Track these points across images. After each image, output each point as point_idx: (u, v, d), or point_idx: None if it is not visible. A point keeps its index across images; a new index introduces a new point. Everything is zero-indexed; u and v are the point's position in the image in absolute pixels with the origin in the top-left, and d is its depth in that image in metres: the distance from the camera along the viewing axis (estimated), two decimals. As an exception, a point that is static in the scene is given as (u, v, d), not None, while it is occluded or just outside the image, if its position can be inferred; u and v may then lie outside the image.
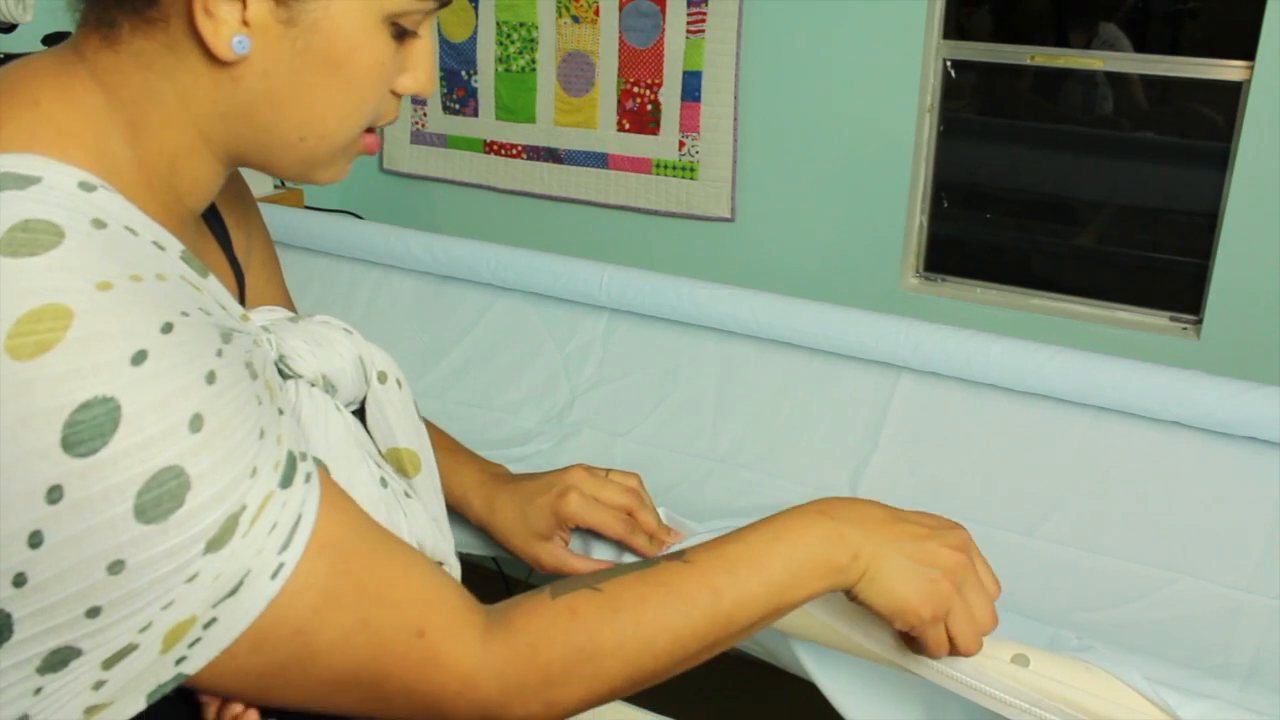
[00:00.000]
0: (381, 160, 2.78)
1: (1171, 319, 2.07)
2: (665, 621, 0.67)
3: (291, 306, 0.90)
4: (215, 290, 0.61)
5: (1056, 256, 2.30)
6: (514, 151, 2.59)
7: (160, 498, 0.51)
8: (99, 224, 0.54)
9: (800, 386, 1.33)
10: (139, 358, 0.51)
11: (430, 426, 0.96)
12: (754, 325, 1.35)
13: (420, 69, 0.66)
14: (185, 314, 0.55)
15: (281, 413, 0.60)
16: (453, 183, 2.71)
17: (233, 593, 0.54)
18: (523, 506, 0.92)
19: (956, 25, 2.15)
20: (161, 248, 0.57)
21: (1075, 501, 1.16)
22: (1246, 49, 1.87)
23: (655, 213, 2.45)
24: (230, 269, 0.76)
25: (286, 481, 0.57)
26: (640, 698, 0.90)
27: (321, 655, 0.58)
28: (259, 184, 2.23)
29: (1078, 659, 0.78)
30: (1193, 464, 1.14)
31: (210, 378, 0.54)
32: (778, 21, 2.22)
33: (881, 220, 2.24)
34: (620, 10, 2.36)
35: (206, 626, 0.54)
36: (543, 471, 0.94)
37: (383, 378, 0.75)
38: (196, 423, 0.52)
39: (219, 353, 0.55)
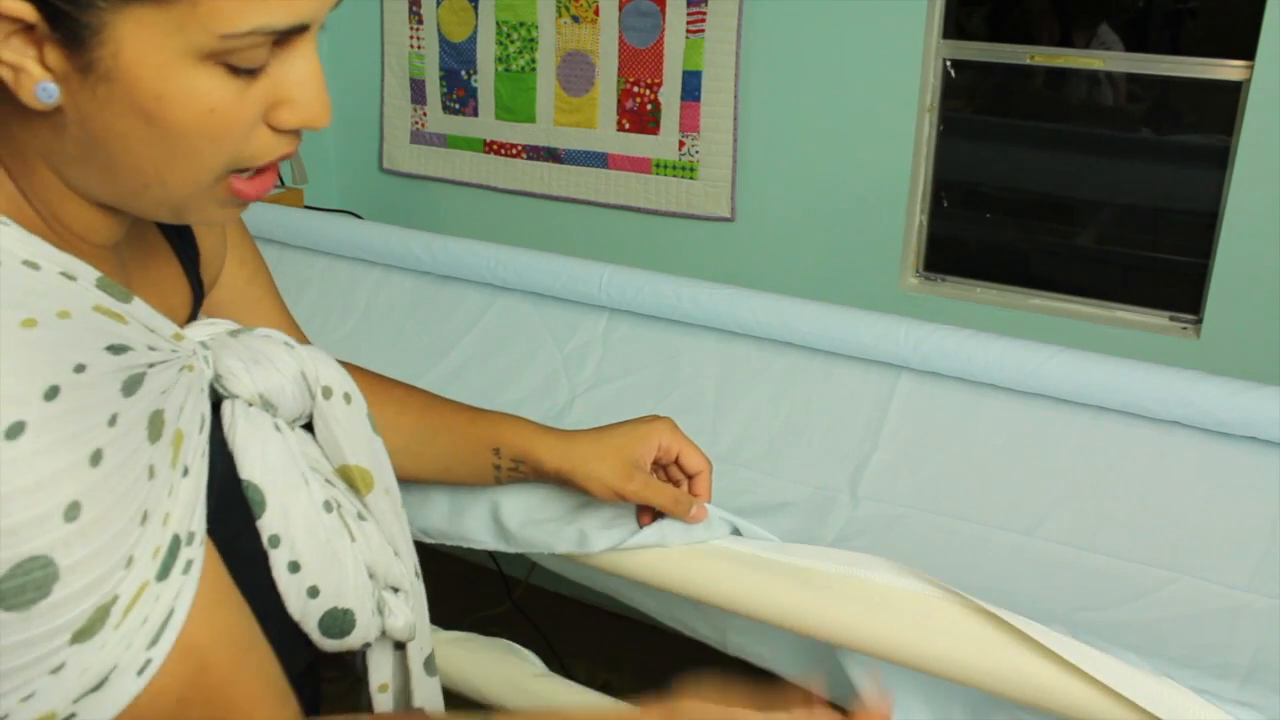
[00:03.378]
0: (381, 160, 2.78)
1: (1171, 319, 2.07)
2: None
3: (284, 314, 0.88)
4: (141, 314, 0.58)
5: (1056, 256, 2.30)
6: (514, 151, 2.59)
7: (24, 586, 0.48)
8: None
9: (800, 386, 1.33)
10: (15, 431, 0.48)
11: (464, 406, 0.95)
12: (754, 325, 1.35)
13: (300, 99, 0.57)
14: (81, 367, 0.51)
15: (187, 473, 0.57)
16: (453, 182, 2.71)
17: (97, 688, 0.52)
18: (605, 435, 0.91)
19: (956, 25, 2.15)
20: (71, 278, 0.55)
21: (1075, 501, 1.16)
22: (1246, 49, 1.87)
23: (655, 212, 2.45)
24: (187, 285, 0.73)
25: (164, 573, 0.54)
26: (640, 697, 0.90)
27: None
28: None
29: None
30: (1193, 464, 1.14)
31: (96, 458, 0.51)
32: (778, 21, 2.23)
33: (881, 220, 2.24)
34: (620, 10, 2.36)
35: None
36: None
37: (328, 393, 0.71)
38: (73, 511, 0.49)
39: (112, 420, 0.52)
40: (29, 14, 0.50)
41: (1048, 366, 1.19)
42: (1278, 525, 1.08)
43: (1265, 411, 1.10)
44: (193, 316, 0.74)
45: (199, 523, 0.58)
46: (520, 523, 0.99)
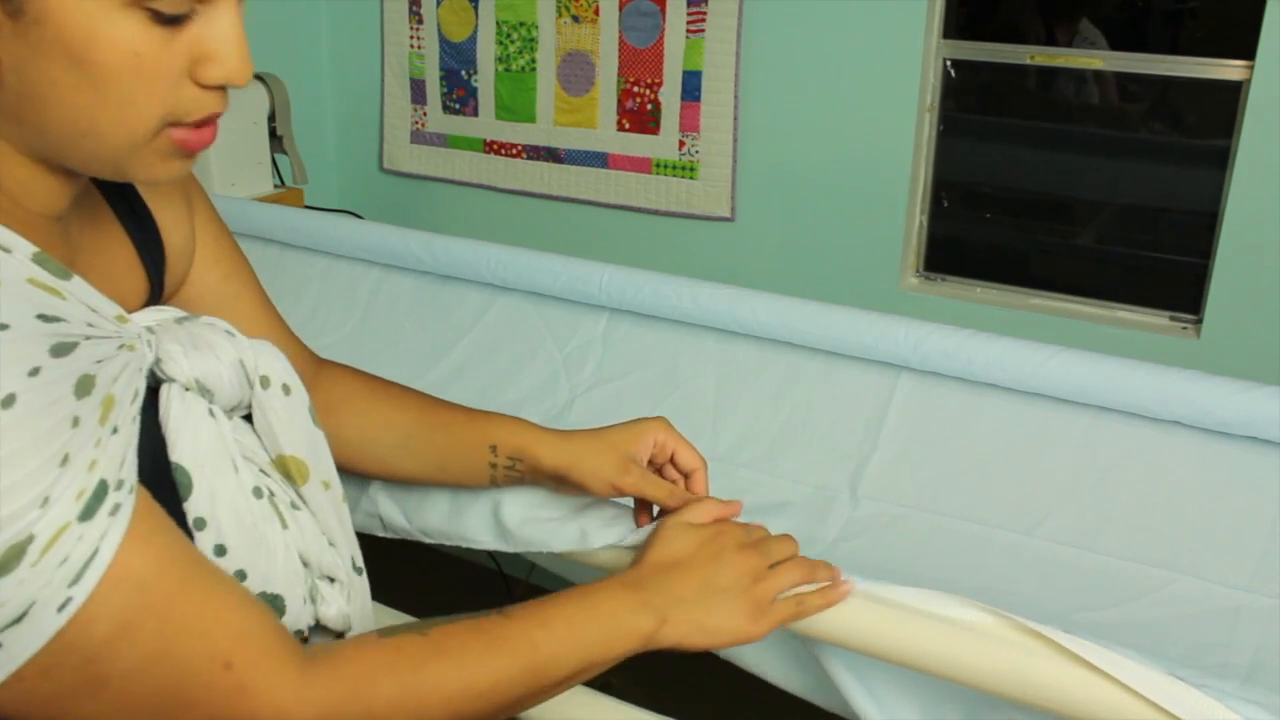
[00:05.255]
0: (381, 160, 2.78)
1: (1171, 319, 2.07)
2: (485, 667, 0.69)
3: (266, 312, 0.88)
4: (81, 292, 0.59)
5: (1056, 256, 2.30)
6: (514, 151, 2.59)
7: None
8: None
9: (800, 386, 1.33)
10: None
11: (460, 406, 0.95)
12: (754, 325, 1.35)
13: (221, 55, 0.59)
14: (4, 326, 0.52)
15: (116, 431, 0.58)
16: (453, 182, 2.71)
17: (17, 620, 0.53)
18: (602, 435, 0.92)
19: (956, 25, 2.15)
20: (6, 250, 0.56)
21: (1075, 501, 1.16)
22: (1246, 49, 1.87)
23: (655, 212, 2.45)
24: (144, 277, 0.74)
25: (88, 514, 0.55)
26: (641, 697, 0.90)
27: (115, 683, 0.57)
28: (259, 184, 2.23)
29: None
30: (1193, 464, 1.14)
31: (8, 401, 0.52)
32: (778, 21, 2.23)
33: (881, 220, 2.24)
34: (620, 10, 2.36)
35: None
36: None
37: (265, 382, 0.72)
38: None
39: (33, 371, 0.53)
40: None
41: (1048, 366, 1.19)
42: (1278, 525, 1.09)
43: (1265, 411, 1.10)
44: (152, 300, 0.74)
45: (129, 472, 0.58)
46: (520, 521, 0.99)
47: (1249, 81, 1.88)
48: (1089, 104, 2.17)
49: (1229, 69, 1.92)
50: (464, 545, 1.03)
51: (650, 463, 0.94)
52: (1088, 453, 1.19)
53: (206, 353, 0.68)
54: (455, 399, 0.98)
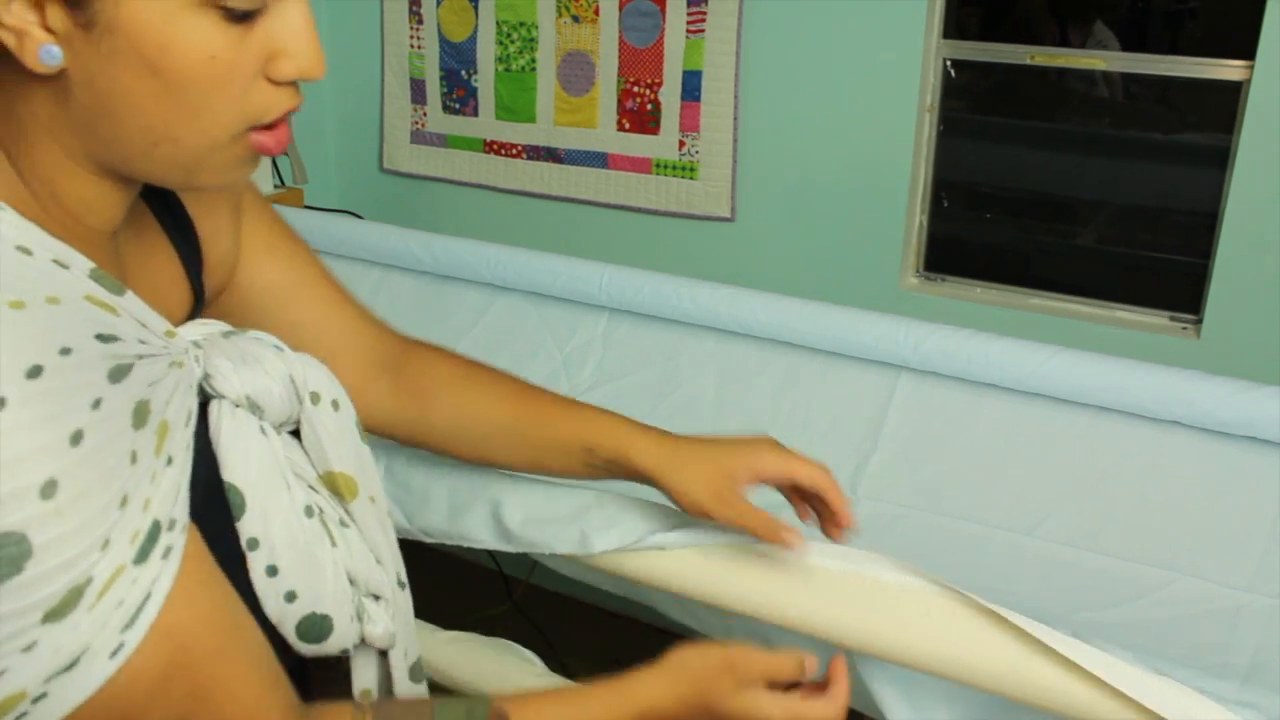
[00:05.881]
0: (381, 160, 2.78)
1: (1171, 319, 2.07)
2: None
3: (336, 296, 0.87)
4: (133, 307, 0.58)
5: (1056, 256, 2.30)
6: (514, 151, 2.59)
7: None
8: None
9: (800, 386, 1.33)
10: None
11: (558, 398, 0.93)
12: (754, 325, 1.35)
13: (294, 49, 0.58)
14: (67, 350, 0.51)
15: (171, 462, 0.57)
16: (453, 182, 2.71)
17: (68, 668, 0.52)
18: (707, 449, 0.87)
19: (957, 25, 2.15)
20: (64, 266, 0.55)
21: (1075, 501, 1.16)
22: (1246, 49, 1.87)
23: (655, 212, 2.45)
24: (188, 287, 0.73)
25: (142, 556, 0.54)
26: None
27: None
28: (259, 184, 2.23)
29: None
30: (1193, 464, 1.15)
31: (76, 438, 0.50)
32: (778, 21, 2.22)
33: (881, 220, 2.24)
34: (620, 10, 2.36)
35: (35, 701, 0.51)
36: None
37: (315, 398, 0.71)
38: (50, 489, 0.49)
39: (96, 403, 0.52)
40: None
41: (1048, 366, 1.19)
42: (1278, 525, 1.09)
43: (1265, 411, 1.10)
44: (190, 319, 0.73)
45: (181, 510, 0.58)
46: (521, 522, 0.99)
47: (1249, 81, 1.87)
48: (1099, 104, 2.17)
49: (1229, 69, 1.92)
50: (465, 545, 1.03)
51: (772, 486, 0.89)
52: (1088, 453, 1.19)
53: (256, 368, 0.67)
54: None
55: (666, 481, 0.87)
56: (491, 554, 1.10)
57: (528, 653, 1.31)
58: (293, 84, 0.60)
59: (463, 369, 0.94)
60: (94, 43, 0.53)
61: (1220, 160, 1.95)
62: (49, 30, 0.53)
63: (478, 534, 1.02)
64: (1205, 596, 1.05)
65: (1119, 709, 0.76)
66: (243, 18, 0.56)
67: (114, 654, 0.53)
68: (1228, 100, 1.93)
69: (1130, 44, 2.10)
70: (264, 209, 0.84)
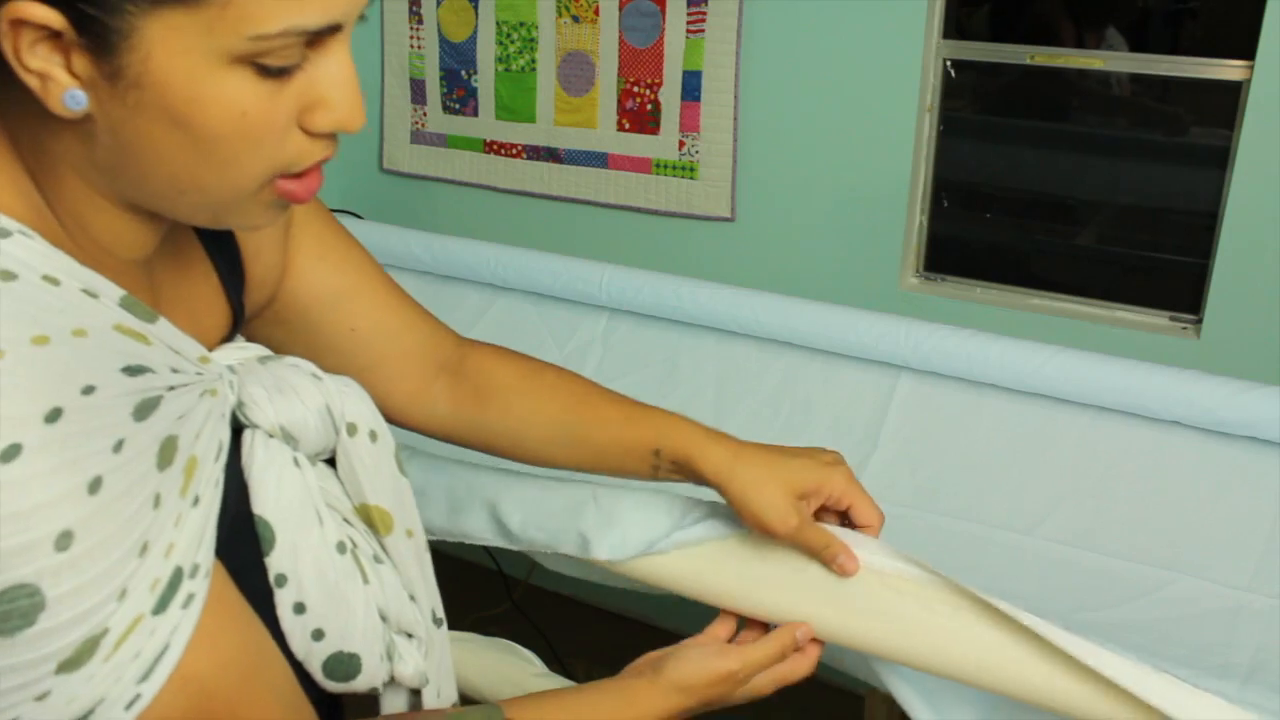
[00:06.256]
0: (381, 160, 2.78)
1: (1171, 319, 2.07)
2: None
3: (396, 297, 0.85)
4: (166, 335, 0.57)
5: (1056, 256, 2.30)
6: (514, 151, 2.59)
7: (9, 613, 0.47)
8: (6, 276, 0.50)
9: (800, 386, 1.33)
10: (10, 453, 0.46)
11: (626, 399, 0.91)
12: (754, 325, 1.35)
13: (334, 101, 0.55)
14: (90, 389, 0.50)
15: (197, 502, 0.56)
16: (453, 182, 2.71)
17: (83, 719, 0.50)
18: (777, 465, 0.84)
19: (957, 25, 2.15)
20: (93, 295, 0.53)
21: (1075, 501, 1.16)
22: (1246, 49, 1.87)
23: (655, 212, 2.45)
24: (226, 305, 0.71)
25: (162, 606, 0.53)
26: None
27: None
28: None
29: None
30: (1193, 464, 1.15)
31: (95, 485, 0.49)
32: (778, 21, 2.22)
33: (881, 220, 2.24)
34: (620, 10, 2.36)
35: None
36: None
37: (352, 430, 0.69)
38: (64, 540, 0.48)
39: (118, 445, 0.50)
40: (56, 21, 0.49)
41: (1048, 366, 1.19)
42: (1278, 525, 1.09)
43: (1265, 411, 1.10)
44: (229, 339, 0.72)
45: (205, 554, 0.56)
46: (520, 524, 0.99)
47: (1249, 81, 1.87)
48: (1101, 105, 2.16)
49: (1229, 69, 1.92)
50: (466, 541, 1.03)
51: (822, 507, 0.88)
52: (1088, 453, 1.19)
53: (291, 398, 0.66)
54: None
55: (732, 494, 0.85)
56: (491, 554, 1.10)
57: (528, 653, 1.31)
58: (329, 135, 0.57)
59: (524, 369, 0.91)
60: (119, 94, 0.51)
61: (1220, 160, 1.95)
62: (74, 75, 0.51)
63: (479, 532, 1.02)
64: (1205, 596, 1.05)
65: (1119, 708, 0.76)
66: (279, 73, 0.53)
67: (129, 706, 0.52)
68: (1228, 100, 1.93)
69: (1132, 44, 2.10)
70: (315, 216, 0.82)
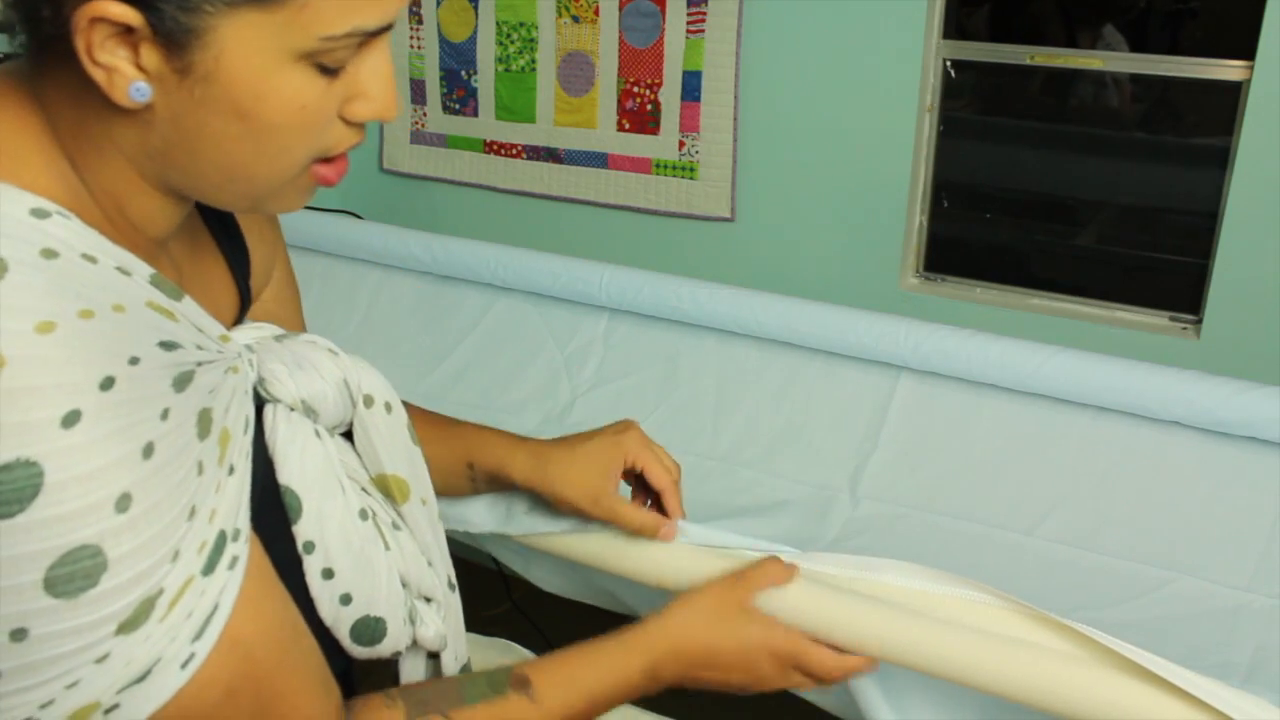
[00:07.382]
0: (381, 160, 2.78)
1: (1171, 319, 2.07)
2: None
3: (300, 327, 0.87)
4: (190, 312, 0.59)
5: (1056, 256, 2.30)
6: (514, 151, 2.59)
7: (73, 574, 0.48)
8: (49, 254, 0.51)
9: (800, 386, 1.33)
10: (71, 419, 0.48)
11: (440, 418, 0.94)
12: (754, 325, 1.35)
13: (374, 93, 0.60)
14: (136, 360, 0.52)
15: (233, 471, 0.58)
16: (453, 183, 2.71)
17: (140, 680, 0.52)
18: (576, 452, 0.90)
19: (957, 25, 2.15)
20: (127, 273, 0.55)
21: (1075, 501, 1.16)
22: (1246, 49, 1.87)
23: (655, 213, 2.45)
24: (235, 289, 0.73)
25: (210, 568, 0.55)
26: (643, 700, 0.90)
27: None
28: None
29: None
30: (1193, 464, 1.15)
31: (148, 450, 0.51)
32: (778, 21, 2.23)
33: (881, 220, 2.24)
34: (620, 10, 2.36)
35: (107, 713, 0.52)
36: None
37: (369, 401, 0.72)
38: (124, 503, 0.50)
39: (164, 413, 0.53)
40: (134, 18, 0.51)
41: (1048, 366, 1.20)
42: (1278, 525, 1.09)
43: (1265, 411, 1.10)
44: (238, 322, 0.73)
45: (244, 520, 0.59)
46: (525, 510, 0.99)
47: (1249, 81, 1.88)
48: (1102, 105, 2.17)
49: (1229, 69, 1.92)
50: (462, 529, 1.03)
51: (629, 471, 0.92)
52: (1088, 453, 1.19)
53: (311, 373, 0.68)
54: (457, 401, 0.98)
55: (543, 491, 0.91)
56: (491, 554, 1.10)
57: (528, 653, 1.31)
58: (363, 123, 0.61)
59: None
60: (187, 88, 0.54)
61: (1220, 160, 1.95)
62: (141, 69, 0.53)
63: (480, 525, 1.02)
64: (1205, 596, 1.05)
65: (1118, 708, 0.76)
66: (334, 70, 0.57)
67: (185, 664, 0.54)
68: (1228, 100, 1.93)
69: (1131, 44, 2.10)
70: (282, 239, 0.86)
